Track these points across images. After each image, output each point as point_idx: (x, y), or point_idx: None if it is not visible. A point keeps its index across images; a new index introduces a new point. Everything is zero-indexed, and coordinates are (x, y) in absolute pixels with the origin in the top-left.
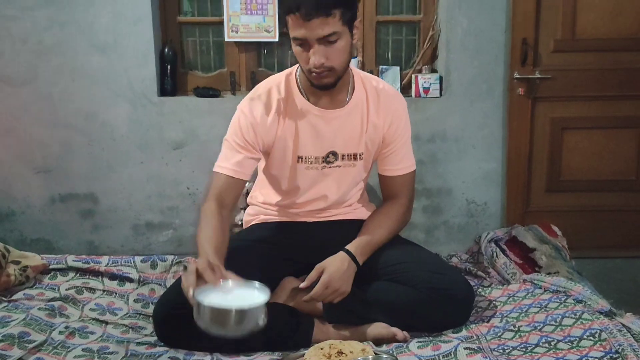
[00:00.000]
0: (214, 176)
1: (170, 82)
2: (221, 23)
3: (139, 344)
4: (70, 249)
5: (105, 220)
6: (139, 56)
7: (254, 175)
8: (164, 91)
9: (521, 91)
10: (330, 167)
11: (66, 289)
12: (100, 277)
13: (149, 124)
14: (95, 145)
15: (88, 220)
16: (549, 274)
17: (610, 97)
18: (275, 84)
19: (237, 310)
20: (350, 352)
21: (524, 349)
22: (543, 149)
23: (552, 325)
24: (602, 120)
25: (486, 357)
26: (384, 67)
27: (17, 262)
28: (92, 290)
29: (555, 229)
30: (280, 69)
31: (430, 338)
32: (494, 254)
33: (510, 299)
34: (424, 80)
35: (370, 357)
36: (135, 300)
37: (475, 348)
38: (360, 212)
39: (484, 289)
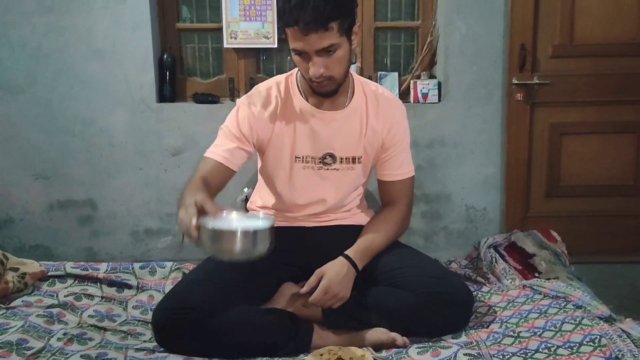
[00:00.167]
0: (203, 160)
1: (169, 89)
2: (220, 29)
3: (137, 350)
4: (69, 255)
5: (104, 227)
6: (137, 62)
7: (254, 182)
8: (162, 97)
9: (520, 96)
10: (327, 169)
11: (65, 296)
12: (98, 284)
13: (147, 130)
14: (94, 151)
15: (87, 226)
16: (548, 279)
17: (609, 102)
18: (275, 83)
19: (243, 231)
20: (350, 358)
21: (523, 355)
22: (542, 154)
23: (551, 330)
24: (601, 125)
25: None
26: (383, 73)
27: (16, 269)
28: (90, 296)
29: (555, 234)
30: None
31: (430, 344)
32: (493, 259)
33: (510, 304)
34: (423, 86)
35: None
36: (134, 307)
37: (475, 354)
38: (359, 218)
39: (484, 294)
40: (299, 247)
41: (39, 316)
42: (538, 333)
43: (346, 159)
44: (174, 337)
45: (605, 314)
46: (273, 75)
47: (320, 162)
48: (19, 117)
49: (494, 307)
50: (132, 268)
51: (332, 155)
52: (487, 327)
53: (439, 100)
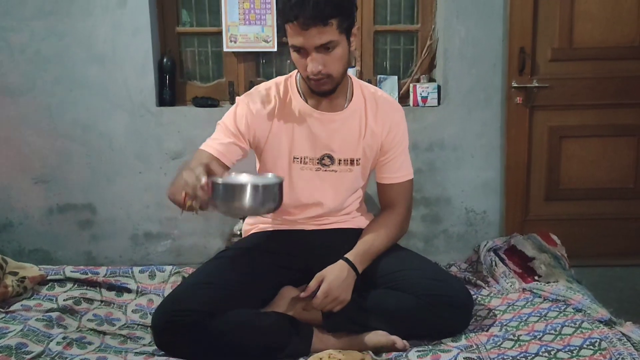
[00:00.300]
0: (197, 152)
1: (169, 92)
2: (220, 33)
3: (137, 354)
4: (69, 259)
5: (103, 231)
6: (137, 66)
7: None
8: (162, 101)
9: (519, 100)
10: (325, 170)
11: (64, 300)
12: (98, 288)
13: (147, 134)
14: (93, 155)
15: (86, 230)
16: (548, 282)
17: (608, 105)
18: (275, 83)
19: (253, 185)
20: None
21: (523, 358)
22: (541, 157)
23: (551, 334)
24: (600, 128)
25: None
26: (382, 76)
27: (15, 273)
28: (90, 300)
29: (554, 237)
30: None
31: (430, 347)
32: (493, 263)
33: (510, 307)
34: (422, 89)
35: None
36: (134, 311)
37: (475, 357)
38: (359, 221)
39: (483, 297)
40: (298, 250)
41: (38, 320)
42: (538, 336)
43: (344, 160)
44: (174, 340)
45: (605, 318)
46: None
47: (318, 163)
48: (18, 121)
49: (493, 311)
50: (132, 272)
51: (330, 157)
52: (487, 330)
53: (439, 103)
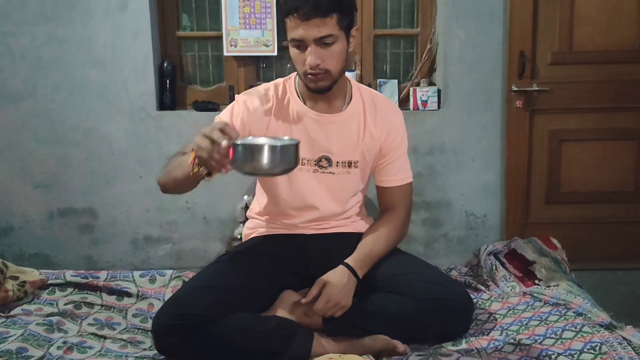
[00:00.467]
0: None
1: (169, 96)
2: (220, 37)
3: (137, 358)
4: (69, 263)
5: (103, 235)
6: (137, 71)
7: (253, 190)
8: (162, 105)
9: (519, 103)
10: (323, 172)
11: (64, 304)
12: (98, 292)
13: (147, 138)
14: (93, 159)
15: (87, 234)
16: (548, 286)
17: (608, 109)
18: (274, 84)
19: (270, 145)
20: None
21: None
22: (542, 161)
23: (552, 338)
24: (600, 132)
25: None
26: (382, 80)
27: (15, 278)
28: (90, 305)
29: (555, 241)
30: None
31: (431, 351)
32: (494, 266)
33: (510, 311)
34: (422, 93)
35: None
36: (134, 315)
37: None
38: (359, 225)
39: (484, 301)
40: (298, 255)
41: (38, 325)
42: (539, 340)
43: (342, 163)
44: (174, 344)
45: (606, 322)
46: None
47: (315, 164)
48: (19, 125)
49: (494, 315)
50: (132, 276)
51: (327, 159)
52: (488, 334)
53: (439, 107)
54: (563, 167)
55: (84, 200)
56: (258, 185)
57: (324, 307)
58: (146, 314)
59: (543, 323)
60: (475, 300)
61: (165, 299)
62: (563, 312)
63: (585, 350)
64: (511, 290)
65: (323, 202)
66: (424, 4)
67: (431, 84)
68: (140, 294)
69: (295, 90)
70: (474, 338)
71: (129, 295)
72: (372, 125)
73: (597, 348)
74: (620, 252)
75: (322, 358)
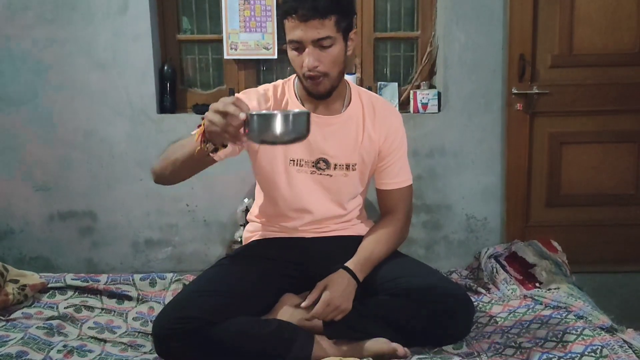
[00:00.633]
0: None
1: (170, 99)
2: (220, 41)
3: None
4: (69, 266)
5: (104, 238)
6: (138, 74)
7: (254, 193)
8: (163, 108)
9: (519, 106)
10: (321, 174)
11: (65, 308)
12: (99, 296)
13: (148, 141)
14: (94, 162)
15: (87, 237)
16: (549, 289)
17: (608, 111)
18: (273, 85)
19: (283, 114)
20: None
21: None
22: (542, 163)
23: (553, 341)
24: (600, 134)
25: None
26: (383, 83)
27: (16, 281)
28: (90, 308)
29: (555, 244)
30: None
31: (431, 354)
32: (494, 269)
33: (511, 314)
34: (423, 96)
35: None
36: (134, 319)
37: None
38: (359, 228)
39: (485, 304)
40: (298, 258)
41: (38, 328)
42: (539, 344)
43: (340, 165)
44: (175, 347)
45: (607, 324)
46: None
47: (313, 166)
48: (20, 128)
49: (495, 318)
50: (133, 279)
51: (325, 161)
52: (488, 337)
53: (439, 110)
54: (563, 170)
55: (84, 203)
56: (257, 188)
57: (324, 311)
58: (146, 317)
59: (544, 326)
60: (475, 303)
61: (166, 303)
62: (564, 315)
63: (586, 353)
64: (512, 293)
65: (320, 205)
66: (424, 6)
67: (431, 86)
68: (140, 297)
69: (294, 92)
70: (474, 341)
71: (130, 298)
72: (371, 128)
73: (598, 351)
74: (621, 254)
75: None
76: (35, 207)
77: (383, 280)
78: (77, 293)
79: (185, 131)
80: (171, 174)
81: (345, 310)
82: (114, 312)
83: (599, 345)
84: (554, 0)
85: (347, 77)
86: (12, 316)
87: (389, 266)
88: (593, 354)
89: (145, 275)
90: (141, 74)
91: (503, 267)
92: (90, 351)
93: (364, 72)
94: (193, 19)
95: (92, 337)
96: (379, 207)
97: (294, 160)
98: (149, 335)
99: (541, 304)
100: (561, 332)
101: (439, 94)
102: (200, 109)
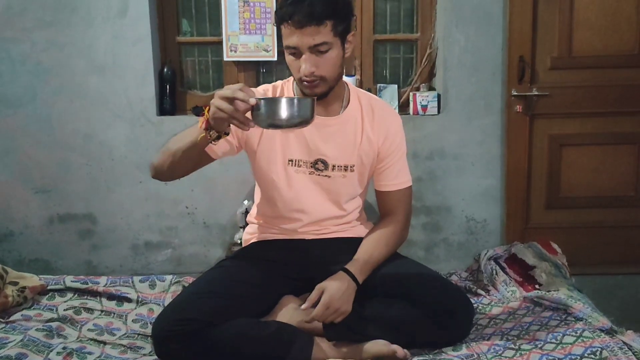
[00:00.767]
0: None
1: (169, 102)
2: (220, 43)
3: None
4: (69, 269)
5: (103, 240)
6: (138, 76)
7: (254, 195)
8: (163, 110)
9: (519, 108)
10: (319, 175)
11: (64, 310)
12: (98, 298)
13: (147, 144)
14: (93, 165)
15: (86, 240)
16: (549, 291)
17: (608, 113)
18: (272, 86)
19: (287, 99)
20: None
21: None
22: (542, 165)
23: (553, 343)
24: (600, 136)
25: None
26: (382, 85)
27: (15, 283)
28: (90, 310)
29: (555, 246)
30: None
31: (431, 356)
32: (494, 271)
33: (511, 316)
34: (422, 98)
35: None
36: (134, 321)
37: None
38: (359, 230)
39: (484, 306)
40: (298, 260)
41: (38, 330)
42: (539, 345)
43: (338, 166)
44: (174, 349)
45: (607, 326)
46: None
47: (312, 167)
48: (19, 131)
49: (494, 319)
50: (132, 281)
51: (324, 162)
52: (488, 339)
53: (439, 112)
54: (563, 172)
55: (84, 206)
56: (257, 190)
57: (324, 313)
58: (146, 319)
59: (543, 328)
60: (475, 305)
61: (165, 305)
62: (563, 317)
63: (586, 355)
64: (511, 295)
65: (318, 205)
66: (423, 9)
67: (431, 88)
68: (140, 299)
69: (293, 93)
70: (474, 343)
71: (129, 300)
72: (370, 129)
73: (597, 353)
74: (621, 256)
75: None
76: (35, 210)
77: (382, 282)
78: (76, 295)
79: None
80: (170, 167)
81: (345, 313)
82: (114, 314)
83: (599, 347)
84: (553, 2)
85: (346, 78)
86: (11, 318)
87: (389, 268)
88: (593, 356)
89: (144, 277)
90: (141, 77)
91: (503, 269)
92: (89, 353)
93: (364, 74)
94: (193, 21)
95: (91, 339)
96: (379, 208)
97: (292, 161)
98: (149, 337)
99: (541, 305)
100: (561, 334)
101: (438, 96)
102: (200, 111)
